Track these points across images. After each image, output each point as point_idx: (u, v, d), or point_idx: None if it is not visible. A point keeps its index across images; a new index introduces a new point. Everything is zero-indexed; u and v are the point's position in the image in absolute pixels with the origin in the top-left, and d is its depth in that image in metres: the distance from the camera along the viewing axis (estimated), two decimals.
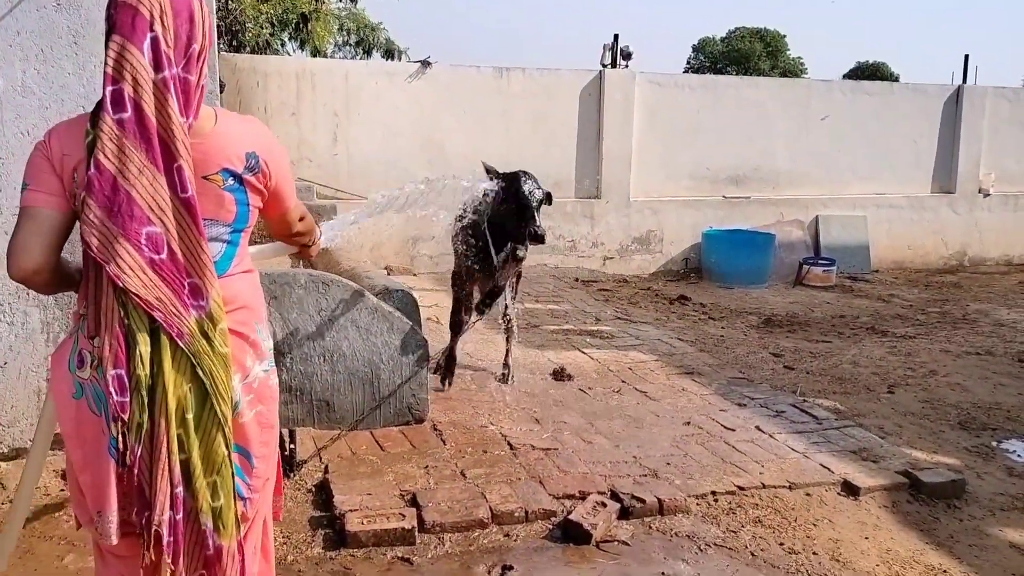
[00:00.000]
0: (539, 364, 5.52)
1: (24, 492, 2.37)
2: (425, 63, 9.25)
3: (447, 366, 4.92)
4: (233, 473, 1.78)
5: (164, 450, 1.70)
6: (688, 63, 45.33)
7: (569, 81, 9.72)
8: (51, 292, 1.89)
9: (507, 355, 5.16)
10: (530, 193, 4.29)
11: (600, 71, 9.85)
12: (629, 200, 9.89)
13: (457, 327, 4.96)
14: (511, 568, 3.06)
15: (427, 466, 3.81)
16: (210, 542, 1.76)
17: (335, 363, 4.15)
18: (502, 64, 9.61)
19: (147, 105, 1.65)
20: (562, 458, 3.98)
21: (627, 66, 10.32)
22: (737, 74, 30.38)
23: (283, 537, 3.18)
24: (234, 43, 14.45)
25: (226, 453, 1.76)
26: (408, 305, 4.44)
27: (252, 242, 2.08)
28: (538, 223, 4.26)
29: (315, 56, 16.78)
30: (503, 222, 4.39)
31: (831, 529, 3.48)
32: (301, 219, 2.17)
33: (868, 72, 37.52)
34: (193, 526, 1.77)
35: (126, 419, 1.69)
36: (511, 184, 4.32)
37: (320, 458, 3.82)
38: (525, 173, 4.37)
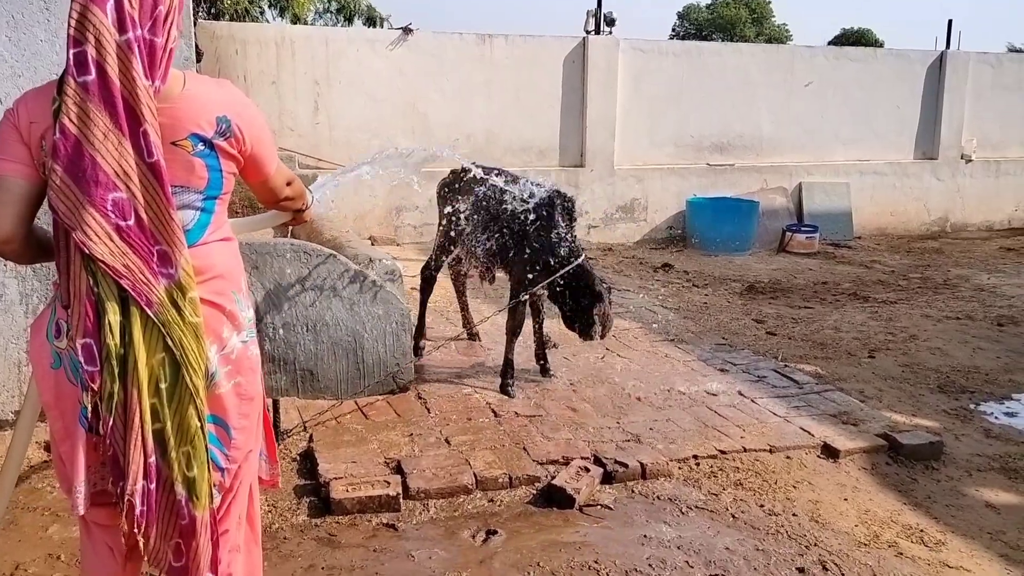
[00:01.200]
0: (524, 332, 5.53)
1: (10, 468, 2.35)
2: (407, 30, 9.14)
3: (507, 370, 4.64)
4: (207, 444, 1.77)
5: (136, 420, 1.68)
6: (673, 30, 45.10)
7: (552, 48, 9.64)
8: (27, 262, 1.86)
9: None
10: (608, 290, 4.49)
11: (584, 38, 9.77)
12: (613, 168, 9.86)
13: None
14: (495, 533, 3.09)
15: (411, 434, 3.83)
16: (185, 511, 1.76)
17: (318, 333, 4.14)
18: (485, 31, 9.51)
19: (111, 68, 1.61)
20: (546, 424, 4.01)
21: (611, 33, 10.26)
22: (723, 41, 30.21)
23: (268, 505, 3.20)
24: (212, 11, 14.23)
25: (198, 424, 1.74)
26: (392, 275, 4.43)
27: (239, 213, 2.06)
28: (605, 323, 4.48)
29: (295, 23, 16.55)
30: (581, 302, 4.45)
31: (811, 491, 3.53)
32: (289, 184, 2.12)
33: (853, 39, 37.43)
34: (168, 496, 1.76)
35: (96, 388, 1.67)
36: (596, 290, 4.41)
37: (304, 427, 3.83)
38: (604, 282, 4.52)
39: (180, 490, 1.74)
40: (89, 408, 1.69)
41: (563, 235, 4.44)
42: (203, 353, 1.74)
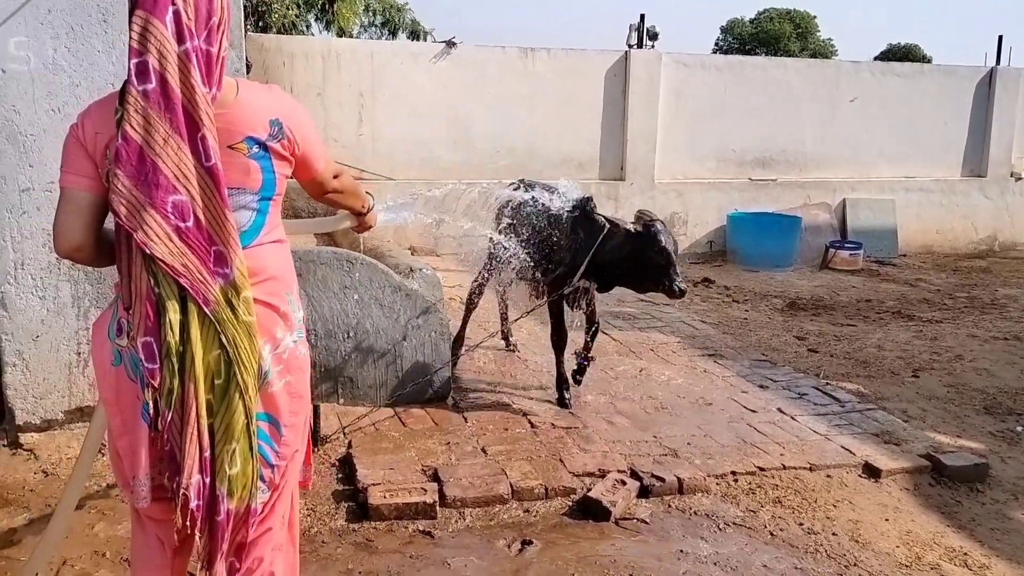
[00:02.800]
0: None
1: (68, 499, 2.40)
2: (450, 43, 9.23)
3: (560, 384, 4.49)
4: (252, 442, 1.81)
5: (193, 415, 1.74)
6: (716, 44, 44.86)
7: (595, 61, 9.66)
8: (101, 264, 1.93)
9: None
10: (668, 249, 4.09)
11: (626, 51, 9.78)
12: (654, 182, 9.83)
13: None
14: (531, 543, 3.09)
15: (448, 442, 3.85)
16: (221, 507, 1.80)
17: (359, 340, 4.20)
18: (527, 44, 9.57)
19: (171, 76, 1.69)
20: (582, 437, 4.00)
21: (653, 46, 10.24)
22: (766, 56, 30.01)
23: (307, 509, 3.24)
24: (260, 24, 14.52)
25: (245, 422, 1.79)
26: (431, 285, 4.48)
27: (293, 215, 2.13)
28: (679, 279, 4.07)
29: (340, 37, 16.79)
30: (627, 264, 4.18)
31: (851, 511, 3.48)
32: (336, 177, 2.18)
33: (899, 54, 36.89)
34: (213, 491, 1.81)
35: (157, 385, 1.73)
36: (650, 236, 4.10)
37: (344, 433, 3.87)
38: (661, 223, 4.20)
39: (220, 487, 1.79)
40: (151, 404, 1.75)
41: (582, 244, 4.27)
42: (255, 351, 1.80)
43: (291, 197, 2.13)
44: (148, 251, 1.69)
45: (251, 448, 1.80)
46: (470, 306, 5.22)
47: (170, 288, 1.72)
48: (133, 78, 1.68)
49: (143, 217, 1.69)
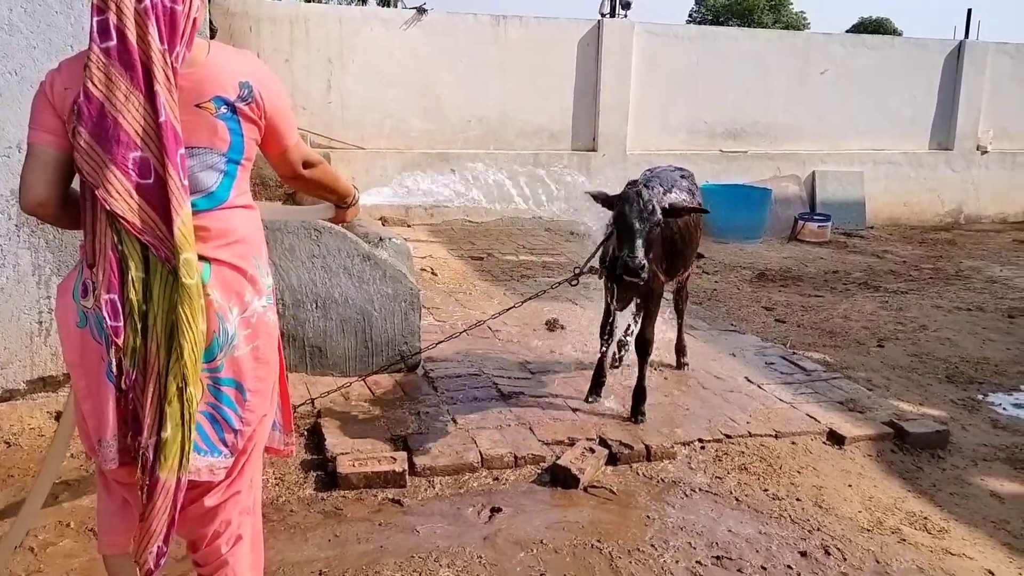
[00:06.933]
0: (533, 314, 5.54)
1: (41, 487, 2.37)
2: (421, 9, 9.11)
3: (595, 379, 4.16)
4: (185, 409, 1.76)
5: (155, 374, 1.73)
6: (690, 15, 44.76)
7: (567, 31, 9.59)
8: (66, 224, 1.90)
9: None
10: (637, 215, 3.49)
11: (599, 21, 9.72)
12: (626, 153, 9.82)
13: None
14: (500, 510, 3.11)
15: (418, 412, 3.85)
16: (148, 469, 1.77)
17: (327, 310, 4.17)
18: (499, 12, 9.47)
19: (130, 32, 1.69)
20: (552, 405, 4.02)
21: (626, 16, 10.19)
22: (739, 27, 29.95)
23: (276, 478, 3.23)
24: None
25: (180, 386, 1.75)
26: (401, 254, 4.45)
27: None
28: (633, 253, 3.43)
29: (309, 2, 16.49)
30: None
31: (815, 477, 3.54)
32: (308, 165, 2.11)
33: (871, 28, 37.07)
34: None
35: (120, 343, 1.72)
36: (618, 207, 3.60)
37: (312, 402, 3.85)
38: (638, 193, 3.62)
39: (148, 449, 1.76)
40: (114, 363, 1.74)
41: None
42: (195, 316, 1.75)
43: (259, 166, 2.05)
44: (108, 207, 1.69)
45: (182, 416, 1.75)
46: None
47: (133, 246, 1.72)
48: (95, 35, 1.68)
49: (104, 173, 1.69)
